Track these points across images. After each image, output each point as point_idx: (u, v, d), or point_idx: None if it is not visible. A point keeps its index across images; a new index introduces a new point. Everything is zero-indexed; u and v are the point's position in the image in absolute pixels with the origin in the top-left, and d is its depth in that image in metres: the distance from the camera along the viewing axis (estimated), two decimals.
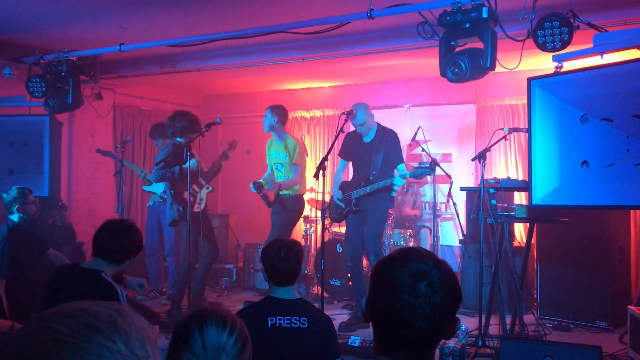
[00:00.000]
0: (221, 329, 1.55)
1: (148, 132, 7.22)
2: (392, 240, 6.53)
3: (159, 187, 6.67)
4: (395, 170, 5.36)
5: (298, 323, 2.73)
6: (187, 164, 5.38)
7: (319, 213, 6.87)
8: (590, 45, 4.09)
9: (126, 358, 0.79)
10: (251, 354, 1.62)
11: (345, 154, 5.79)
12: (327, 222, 6.34)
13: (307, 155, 6.54)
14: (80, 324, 0.80)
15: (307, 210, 7.56)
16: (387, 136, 5.48)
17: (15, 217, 5.13)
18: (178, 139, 5.76)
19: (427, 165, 5.16)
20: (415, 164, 7.59)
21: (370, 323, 1.44)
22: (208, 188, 6.02)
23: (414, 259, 1.37)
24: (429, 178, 7.16)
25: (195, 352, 1.52)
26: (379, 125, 5.58)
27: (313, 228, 7.40)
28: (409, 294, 1.31)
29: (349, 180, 5.76)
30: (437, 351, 4.21)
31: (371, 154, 5.44)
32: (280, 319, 2.72)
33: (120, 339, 0.80)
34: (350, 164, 5.80)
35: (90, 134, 7.77)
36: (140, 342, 0.83)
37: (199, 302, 5.73)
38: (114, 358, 0.78)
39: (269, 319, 2.72)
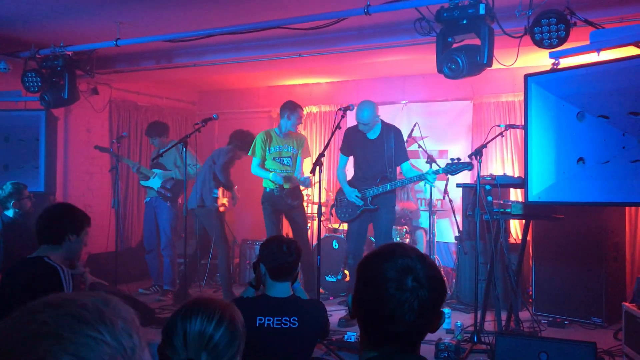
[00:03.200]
0: (207, 320, 1.54)
1: (145, 130, 7.21)
2: None
3: (156, 182, 6.67)
4: (398, 168, 5.37)
5: (288, 323, 2.73)
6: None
7: (315, 209, 6.87)
8: (587, 42, 4.10)
9: (112, 348, 0.79)
10: (242, 348, 1.61)
11: (347, 150, 5.67)
12: (335, 220, 6.37)
13: None
14: (66, 314, 0.79)
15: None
16: (394, 133, 5.45)
17: (10, 213, 5.11)
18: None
19: (466, 162, 4.90)
20: (413, 161, 7.62)
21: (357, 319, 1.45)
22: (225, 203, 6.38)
23: (398, 254, 1.39)
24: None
25: (176, 347, 1.51)
26: (382, 122, 5.55)
27: (309, 224, 7.40)
28: (396, 288, 1.33)
29: (353, 177, 5.67)
30: (433, 347, 4.22)
31: (381, 150, 5.38)
32: (269, 320, 2.72)
33: (106, 329, 0.80)
34: (351, 160, 5.72)
35: (86, 129, 7.75)
36: (127, 333, 0.82)
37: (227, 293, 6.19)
38: (99, 348, 0.77)
39: (257, 318, 2.71)
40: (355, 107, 5.39)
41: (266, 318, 2.72)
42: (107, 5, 5.07)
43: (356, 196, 5.45)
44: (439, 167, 5.20)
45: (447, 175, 5.20)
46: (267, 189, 5.99)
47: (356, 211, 5.50)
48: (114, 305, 0.85)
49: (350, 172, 5.78)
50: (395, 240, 6.53)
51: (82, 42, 5.88)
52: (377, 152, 5.43)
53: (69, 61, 5.89)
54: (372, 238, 6.26)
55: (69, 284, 2.93)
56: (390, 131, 5.46)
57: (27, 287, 2.81)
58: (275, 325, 2.72)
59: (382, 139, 5.43)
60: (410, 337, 1.37)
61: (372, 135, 5.50)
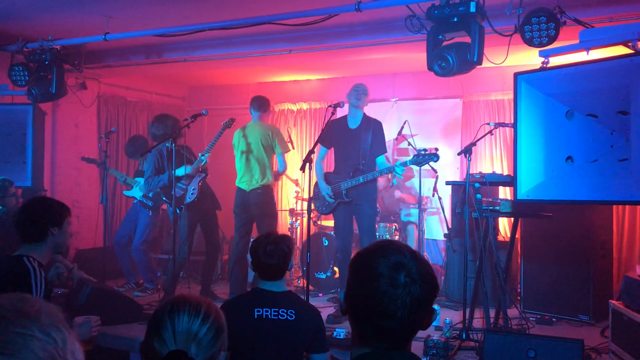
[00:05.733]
0: (194, 317, 1.55)
1: (125, 150, 7.10)
2: (377, 233, 6.52)
3: (137, 192, 6.63)
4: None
5: (285, 315, 2.73)
6: (181, 169, 5.68)
7: (304, 205, 6.87)
8: (577, 41, 4.12)
9: (42, 342, 0.76)
10: (226, 342, 1.62)
11: (327, 141, 5.57)
12: (314, 214, 6.35)
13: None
14: None
15: (293, 204, 7.56)
16: (374, 125, 5.41)
17: None
18: (166, 144, 5.63)
19: (431, 152, 4.95)
20: (402, 158, 7.62)
21: (348, 315, 1.45)
22: (201, 175, 5.95)
23: (391, 250, 1.40)
24: (415, 172, 7.19)
25: (165, 340, 1.52)
26: (364, 114, 5.50)
27: (299, 221, 7.40)
28: (389, 284, 1.34)
29: (333, 170, 5.64)
30: (422, 344, 4.23)
31: (359, 142, 5.35)
32: (267, 311, 2.72)
33: (32, 324, 0.77)
34: (332, 151, 5.68)
35: (74, 124, 7.68)
36: (54, 326, 0.80)
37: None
38: (29, 343, 0.75)
39: (255, 310, 2.72)
40: (346, 104, 5.38)
41: (264, 309, 2.73)
42: None
43: (327, 194, 5.47)
44: (410, 159, 5.13)
45: (416, 166, 5.19)
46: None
47: (332, 205, 5.51)
48: (32, 302, 0.83)
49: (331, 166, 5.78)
50: (384, 237, 6.55)
51: (70, 36, 5.82)
52: (354, 144, 5.39)
53: (57, 55, 5.83)
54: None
55: (41, 288, 2.84)
56: (370, 123, 5.42)
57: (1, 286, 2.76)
58: (272, 317, 2.72)
59: (361, 130, 5.40)
60: (401, 334, 1.37)
61: (353, 124, 5.47)
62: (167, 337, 1.52)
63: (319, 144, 5.34)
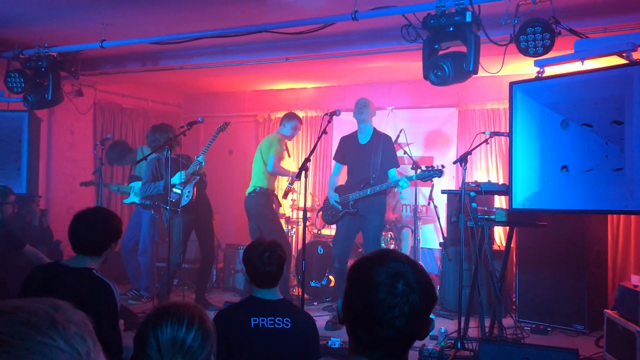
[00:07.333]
0: (177, 326, 1.52)
1: (105, 157, 7.03)
2: None
3: (136, 197, 6.63)
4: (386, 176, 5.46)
5: (281, 324, 2.71)
6: (176, 177, 5.67)
7: (300, 214, 6.86)
8: (572, 51, 4.14)
9: (66, 354, 0.76)
10: (215, 345, 1.60)
11: (341, 157, 5.86)
12: (320, 223, 6.45)
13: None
14: (15, 322, 0.76)
15: (289, 212, 7.55)
16: (384, 140, 5.58)
17: None
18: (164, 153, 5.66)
19: (436, 168, 5.12)
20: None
21: (345, 324, 1.44)
22: (195, 179, 5.91)
23: (390, 259, 1.39)
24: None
25: (151, 355, 1.50)
26: (374, 129, 5.69)
27: (294, 229, 7.38)
28: (387, 293, 1.33)
29: (345, 182, 5.78)
30: (417, 353, 4.22)
31: (369, 156, 5.50)
32: (263, 320, 2.70)
33: (59, 335, 0.77)
34: (345, 167, 5.87)
35: (70, 131, 7.68)
36: (80, 337, 0.80)
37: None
38: (53, 355, 0.75)
39: (252, 319, 2.70)
40: (342, 113, 5.44)
41: (260, 318, 2.70)
42: (92, 6, 5.02)
43: (335, 201, 5.65)
44: (416, 174, 5.34)
45: (421, 180, 5.40)
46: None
47: (338, 214, 5.66)
48: (64, 310, 0.82)
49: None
50: (381, 246, 6.54)
51: (67, 43, 5.82)
52: (365, 158, 5.55)
53: (54, 62, 5.82)
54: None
55: (119, 302, 2.81)
56: (379, 138, 5.59)
57: (73, 300, 2.66)
58: (268, 325, 2.70)
59: (372, 145, 5.57)
60: (399, 343, 1.36)
61: (363, 140, 5.65)
62: (152, 353, 1.49)
63: (314, 154, 5.43)
